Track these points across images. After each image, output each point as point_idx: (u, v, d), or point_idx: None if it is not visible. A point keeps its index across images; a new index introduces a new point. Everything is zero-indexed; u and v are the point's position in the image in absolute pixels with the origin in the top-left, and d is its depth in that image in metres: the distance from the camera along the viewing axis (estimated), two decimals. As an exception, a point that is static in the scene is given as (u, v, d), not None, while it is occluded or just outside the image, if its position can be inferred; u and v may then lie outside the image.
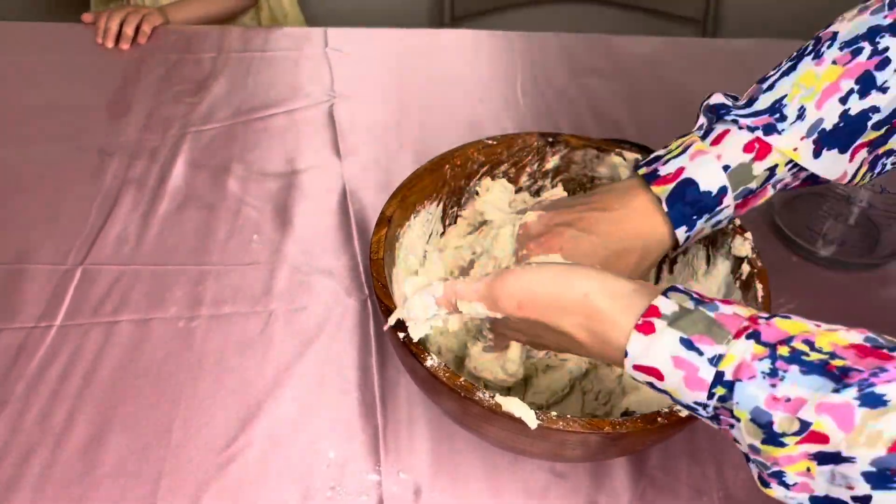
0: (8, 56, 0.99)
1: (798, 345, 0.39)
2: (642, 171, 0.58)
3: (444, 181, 0.68)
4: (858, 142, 0.55)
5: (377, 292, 0.57)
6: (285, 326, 0.70)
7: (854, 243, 0.79)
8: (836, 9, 0.58)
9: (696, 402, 0.42)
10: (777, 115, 0.55)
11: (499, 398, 0.50)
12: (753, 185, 0.56)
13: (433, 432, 0.63)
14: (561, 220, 0.60)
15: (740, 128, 0.55)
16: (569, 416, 0.50)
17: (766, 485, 0.39)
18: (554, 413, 0.49)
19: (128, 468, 0.59)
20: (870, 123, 0.54)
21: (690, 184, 0.56)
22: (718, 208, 0.56)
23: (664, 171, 0.57)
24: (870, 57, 0.53)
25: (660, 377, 0.43)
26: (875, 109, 0.54)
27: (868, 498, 0.36)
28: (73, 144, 0.87)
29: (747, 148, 0.55)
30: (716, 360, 0.40)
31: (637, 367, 0.43)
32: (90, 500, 0.57)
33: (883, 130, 0.55)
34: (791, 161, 0.55)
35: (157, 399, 0.64)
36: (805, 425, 0.37)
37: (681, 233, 0.57)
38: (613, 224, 0.58)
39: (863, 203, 0.75)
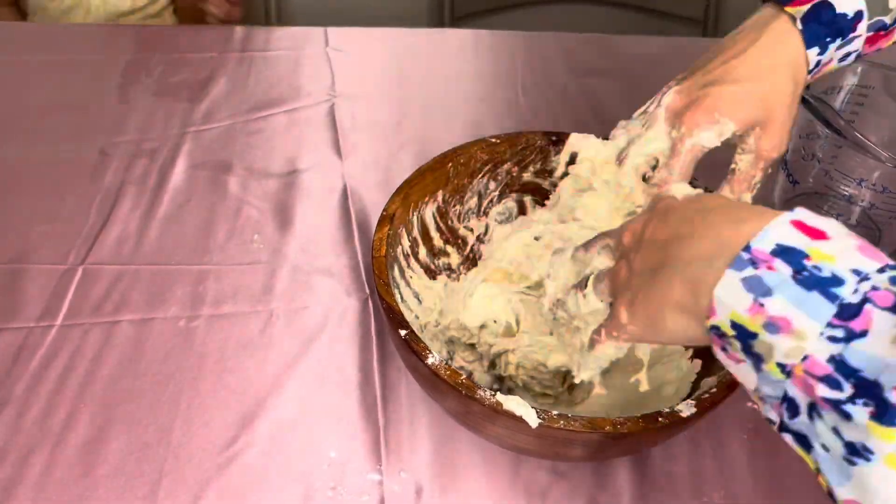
0: (8, 56, 0.99)
1: None
2: None
3: (446, 179, 0.68)
4: None
5: (379, 290, 0.57)
6: (286, 326, 0.70)
7: (855, 243, 0.78)
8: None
9: (853, 271, 0.34)
10: None
11: (500, 396, 0.50)
12: (888, 19, 0.55)
13: (434, 432, 0.63)
14: (702, 82, 0.57)
15: None
16: (570, 414, 0.49)
17: (894, 420, 0.31)
18: (555, 412, 0.49)
19: (128, 468, 0.59)
20: None
21: (826, 6, 0.54)
22: (851, 35, 0.55)
23: None
24: None
25: (822, 236, 0.36)
26: None
27: None
28: (73, 144, 0.87)
29: None
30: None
31: (796, 223, 0.37)
32: (90, 500, 0.57)
33: None
34: None
35: (157, 399, 0.64)
36: None
37: (812, 54, 0.55)
38: (755, 63, 0.56)
39: (864, 203, 0.75)
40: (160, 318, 0.69)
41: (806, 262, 0.35)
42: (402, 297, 0.63)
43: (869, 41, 0.56)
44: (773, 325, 0.35)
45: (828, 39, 0.55)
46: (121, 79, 0.96)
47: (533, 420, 0.49)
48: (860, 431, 0.32)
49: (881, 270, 0.34)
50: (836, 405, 0.33)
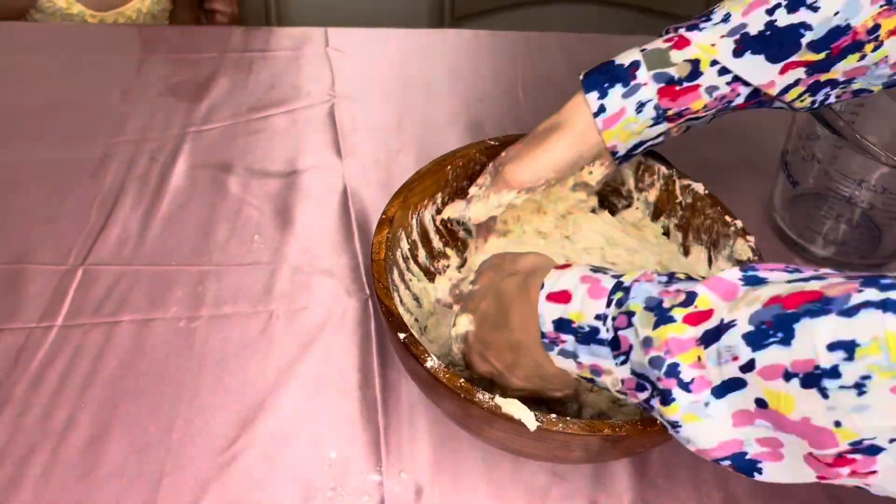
0: (8, 56, 0.99)
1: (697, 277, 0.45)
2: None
3: (445, 182, 0.68)
4: (793, 58, 0.56)
5: (378, 294, 0.57)
6: (286, 326, 0.70)
7: (855, 244, 0.79)
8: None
9: (597, 317, 0.46)
10: (703, 18, 0.58)
11: (498, 400, 0.50)
12: (675, 73, 0.58)
13: (434, 433, 0.63)
14: (498, 162, 0.66)
15: (666, 32, 0.60)
16: (567, 418, 0.50)
17: (668, 399, 0.41)
18: (553, 415, 0.50)
19: (128, 468, 0.59)
20: (803, 41, 0.55)
21: (608, 62, 0.61)
22: (634, 83, 0.59)
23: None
24: None
25: (567, 299, 0.47)
26: (806, 27, 0.55)
27: (752, 363, 0.38)
28: (73, 144, 0.87)
29: (666, 39, 0.59)
30: (618, 276, 0.47)
31: (550, 297, 0.48)
32: (91, 500, 0.57)
33: (822, 55, 0.56)
34: (717, 63, 0.56)
35: (157, 399, 0.64)
36: (691, 297, 0.41)
37: (592, 98, 0.60)
38: (535, 147, 0.63)
39: (864, 203, 0.75)
40: (160, 319, 0.70)
41: (574, 325, 0.47)
42: (401, 301, 0.63)
43: (667, 94, 0.58)
44: (595, 371, 0.47)
45: (606, 85, 0.59)
46: (121, 79, 0.96)
47: (531, 423, 0.49)
48: (662, 415, 0.43)
49: (609, 303, 0.46)
50: (647, 402, 0.44)
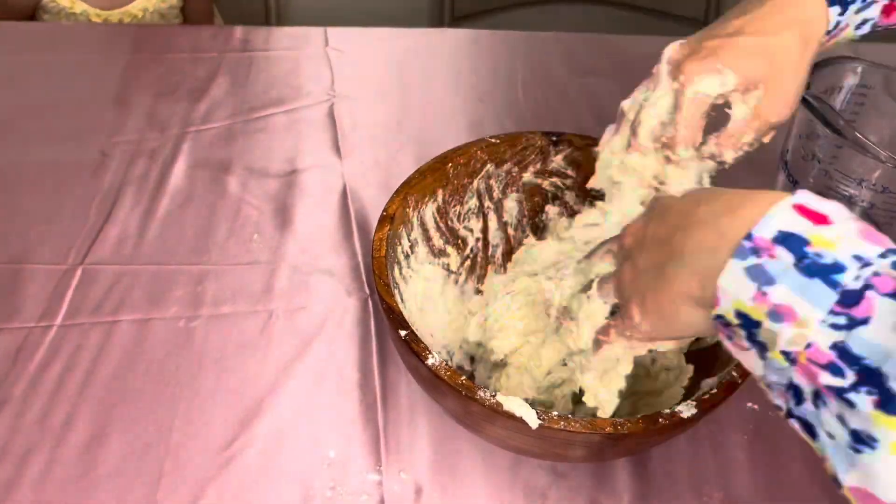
0: (8, 56, 0.99)
1: None
2: None
3: (446, 179, 0.68)
4: None
5: (379, 290, 0.57)
6: (286, 326, 0.70)
7: (855, 243, 0.78)
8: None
9: (855, 257, 0.34)
10: None
11: (500, 397, 0.50)
12: None
13: (434, 432, 0.63)
14: (706, 36, 0.55)
15: None
16: (569, 416, 0.49)
17: None
18: (555, 413, 0.49)
19: (128, 468, 0.59)
20: None
21: None
22: None
23: None
24: None
25: (824, 221, 0.36)
26: None
27: None
28: (73, 144, 0.86)
29: None
30: None
31: (799, 207, 0.37)
32: (90, 500, 0.57)
33: None
34: None
35: (157, 399, 0.64)
36: None
37: (833, 13, 0.53)
38: (764, 20, 0.53)
39: (864, 203, 0.75)
40: (160, 318, 0.69)
41: (807, 248, 0.35)
42: (402, 298, 0.63)
43: (886, 10, 0.55)
44: (776, 314, 0.35)
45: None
46: (121, 79, 0.96)
47: (533, 421, 0.49)
48: (864, 420, 0.32)
49: (883, 255, 0.34)
50: (839, 393, 0.33)
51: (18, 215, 0.78)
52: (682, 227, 0.41)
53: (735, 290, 0.37)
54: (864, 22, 0.56)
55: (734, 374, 0.52)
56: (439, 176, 0.67)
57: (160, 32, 1.06)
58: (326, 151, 0.88)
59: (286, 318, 0.70)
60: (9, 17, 1.24)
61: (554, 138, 0.69)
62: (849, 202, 0.76)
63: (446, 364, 0.52)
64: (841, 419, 0.33)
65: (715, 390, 0.52)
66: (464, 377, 0.51)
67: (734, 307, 0.37)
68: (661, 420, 0.49)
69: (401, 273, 0.64)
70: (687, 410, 0.50)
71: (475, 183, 0.70)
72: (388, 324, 0.57)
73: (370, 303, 0.72)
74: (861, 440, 0.32)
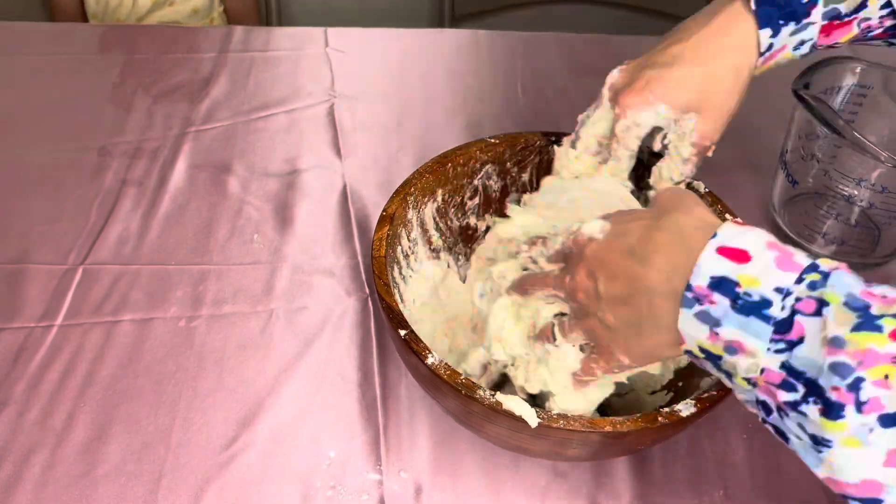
0: (8, 56, 0.99)
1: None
2: None
3: (446, 179, 0.68)
4: None
5: (379, 290, 0.57)
6: (286, 326, 0.70)
7: (854, 243, 0.79)
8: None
9: (776, 290, 0.39)
10: None
11: (499, 396, 0.50)
12: (843, 7, 0.55)
13: (434, 431, 0.63)
14: (644, 64, 0.58)
15: None
16: (569, 414, 0.50)
17: (838, 414, 0.36)
18: (554, 412, 0.50)
19: (128, 468, 0.59)
20: None
21: None
22: (805, 21, 0.55)
23: None
24: None
25: (745, 259, 0.40)
26: None
27: None
28: (73, 144, 0.87)
29: None
30: (813, 257, 0.40)
31: (722, 250, 0.41)
32: (90, 500, 0.57)
33: None
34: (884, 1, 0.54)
35: (157, 399, 0.64)
36: None
37: (764, 36, 0.55)
38: (698, 48, 0.56)
39: (863, 203, 0.75)
40: (160, 318, 0.70)
41: (738, 289, 0.40)
42: (401, 298, 0.63)
43: (824, 30, 0.56)
44: (730, 348, 0.40)
45: (781, 22, 0.55)
46: (121, 79, 0.96)
47: (532, 420, 0.49)
48: (816, 427, 0.37)
49: (799, 281, 0.39)
50: (794, 406, 0.38)
51: (19, 215, 0.78)
52: (637, 290, 0.45)
53: (693, 332, 0.42)
54: (802, 43, 0.57)
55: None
56: (439, 176, 0.67)
57: (160, 32, 1.06)
58: (326, 151, 0.88)
59: (286, 318, 0.70)
60: (62, 18, 1.29)
61: (553, 138, 0.69)
62: (848, 202, 0.76)
63: (445, 363, 0.52)
64: (801, 426, 0.38)
65: (715, 390, 0.52)
66: (463, 377, 0.51)
67: (697, 345, 0.42)
68: (660, 419, 0.50)
69: (400, 273, 0.64)
70: (686, 409, 0.50)
71: (475, 183, 0.70)
72: (387, 323, 0.57)
73: (370, 303, 0.72)
74: (819, 442, 0.37)
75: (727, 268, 0.40)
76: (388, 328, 0.57)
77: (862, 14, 0.56)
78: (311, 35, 1.05)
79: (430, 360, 0.52)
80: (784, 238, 0.80)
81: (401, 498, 0.59)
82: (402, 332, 0.54)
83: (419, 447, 0.62)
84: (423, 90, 0.98)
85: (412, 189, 0.65)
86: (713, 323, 0.41)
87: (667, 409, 0.50)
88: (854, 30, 0.57)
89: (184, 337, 0.68)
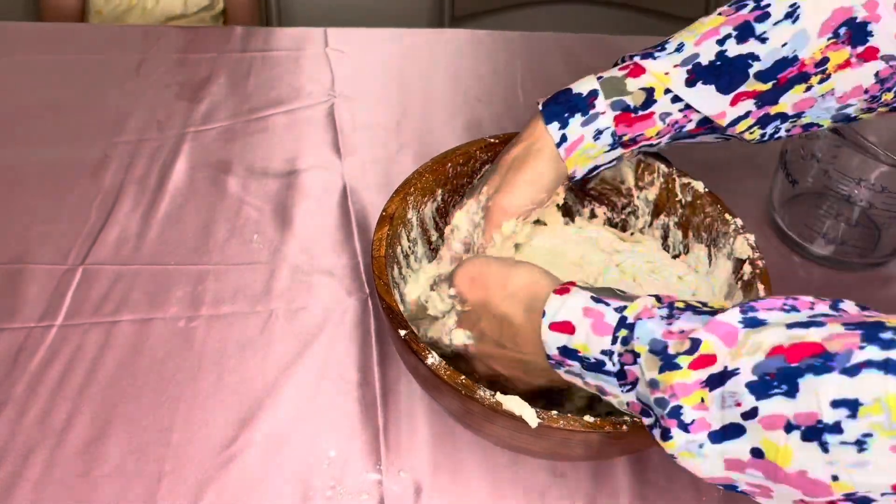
0: (8, 56, 0.99)
1: (693, 302, 0.46)
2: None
3: (446, 179, 0.68)
4: (742, 89, 0.58)
5: (379, 290, 0.57)
6: (286, 326, 0.70)
7: (854, 243, 0.78)
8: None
9: (602, 352, 0.47)
10: (658, 47, 0.60)
11: (499, 396, 0.50)
12: (631, 101, 0.59)
13: (434, 431, 0.63)
14: (487, 195, 0.65)
15: (622, 60, 0.62)
16: (569, 415, 0.50)
17: (667, 436, 0.43)
18: (554, 412, 0.50)
19: (128, 468, 0.59)
20: (751, 71, 0.57)
21: (565, 90, 0.62)
22: (592, 112, 0.60)
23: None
24: (751, 10, 0.58)
25: (571, 331, 0.48)
26: (754, 57, 0.57)
27: (755, 411, 0.39)
28: (73, 144, 0.87)
29: (622, 68, 0.61)
30: (620, 309, 0.47)
31: (553, 326, 0.49)
32: (90, 500, 0.57)
33: (769, 85, 0.58)
34: (670, 91, 0.58)
35: (157, 399, 0.64)
36: (695, 344, 0.42)
37: (553, 129, 0.61)
38: (520, 176, 0.63)
39: (863, 202, 0.75)
40: (160, 318, 0.70)
41: (579, 354, 0.48)
42: (401, 298, 0.63)
43: (623, 120, 0.60)
44: (602, 391, 0.49)
45: (566, 115, 0.61)
46: (121, 79, 0.96)
47: (532, 420, 0.49)
48: (663, 447, 0.44)
49: (613, 341, 0.46)
50: (651, 428, 0.45)
51: (19, 215, 0.78)
52: (514, 349, 0.53)
53: (574, 381, 0.51)
54: (600, 132, 0.61)
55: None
56: (439, 176, 0.67)
57: (161, 33, 1.06)
58: (326, 151, 0.88)
59: (286, 318, 0.70)
60: (59, 17, 1.29)
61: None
62: (848, 202, 0.76)
63: (445, 363, 0.52)
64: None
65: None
66: (463, 377, 0.51)
67: (584, 389, 0.51)
68: (660, 419, 0.50)
69: (400, 273, 0.64)
70: (686, 410, 0.50)
71: (475, 183, 0.70)
72: (387, 323, 0.57)
73: (370, 303, 0.72)
74: (671, 456, 0.44)
75: (563, 339, 0.48)
76: (388, 328, 0.57)
77: (655, 108, 0.59)
78: (311, 35, 1.05)
79: (429, 360, 0.52)
80: (784, 238, 0.80)
81: (400, 498, 0.59)
82: (402, 332, 0.54)
83: (419, 447, 0.62)
84: (423, 90, 0.98)
85: (412, 189, 0.65)
86: (579, 376, 0.49)
87: (666, 409, 0.50)
88: (658, 123, 0.60)
89: (183, 337, 0.68)
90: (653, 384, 0.44)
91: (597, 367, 0.47)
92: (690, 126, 0.61)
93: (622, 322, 0.46)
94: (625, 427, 0.49)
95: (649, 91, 0.59)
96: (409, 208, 0.65)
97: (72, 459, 0.60)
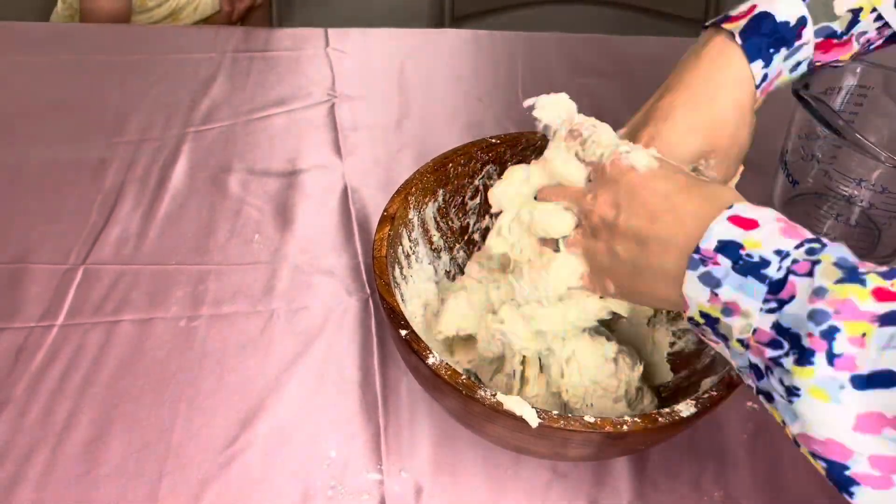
0: (8, 56, 0.99)
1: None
2: (710, 22, 0.55)
3: (447, 179, 0.68)
4: None
5: (380, 290, 0.57)
6: (286, 326, 0.70)
7: (854, 243, 0.78)
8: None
9: (776, 252, 0.41)
10: None
11: (500, 396, 0.50)
12: (836, 26, 0.54)
13: (435, 431, 0.63)
14: (643, 120, 0.56)
15: None
16: (569, 415, 0.50)
17: (808, 360, 0.37)
18: (555, 412, 0.50)
19: (129, 468, 0.59)
20: None
21: (766, 16, 0.53)
22: (797, 43, 0.54)
23: (735, 12, 0.55)
24: None
25: (752, 226, 0.42)
26: None
27: None
28: (73, 144, 0.87)
29: None
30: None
31: (732, 219, 0.43)
32: (91, 500, 0.57)
33: None
34: (875, 11, 0.54)
35: (157, 398, 0.64)
36: (891, 273, 0.37)
37: (757, 68, 0.54)
38: (694, 94, 0.55)
39: (863, 203, 0.75)
40: (161, 318, 0.70)
41: (741, 251, 0.42)
42: (402, 298, 0.63)
43: (822, 48, 0.55)
44: (727, 310, 0.42)
45: (771, 51, 0.54)
46: (121, 79, 0.96)
47: (533, 420, 0.49)
48: (789, 376, 0.38)
49: (799, 246, 0.41)
50: (777, 361, 0.39)
51: (20, 215, 0.78)
52: (655, 235, 0.46)
53: (696, 295, 0.44)
54: (798, 64, 0.56)
55: (733, 373, 0.53)
56: (440, 176, 0.67)
57: (160, 32, 1.06)
58: (327, 151, 0.88)
59: (287, 317, 0.70)
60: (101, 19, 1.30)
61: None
62: (848, 202, 0.76)
63: (446, 363, 0.52)
64: (780, 381, 0.39)
65: (715, 390, 0.52)
66: (464, 377, 0.51)
67: (698, 309, 0.44)
68: (660, 419, 0.50)
69: (401, 273, 0.65)
70: (686, 410, 0.50)
71: (476, 183, 0.70)
72: (388, 323, 0.57)
73: (371, 303, 0.72)
74: (791, 392, 0.38)
75: (735, 233, 0.42)
76: (389, 328, 0.57)
77: (857, 29, 0.55)
78: (311, 35, 1.05)
79: (430, 360, 0.52)
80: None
81: (401, 498, 0.59)
82: (403, 332, 0.54)
83: (420, 447, 0.62)
84: (424, 90, 0.98)
85: (413, 189, 0.65)
86: (714, 284, 0.42)
87: (667, 410, 0.50)
88: (854, 46, 0.57)
89: (184, 337, 0.68)
90: (819, 292, 0.37)
91: (752, 268, 0.41)
92: (878, 43, 0.57)
93: (817, 239, 0.41)
94: (625, 427, 0.49)
95: (856, 12, 0.54)
96: (410, 208, 0.65)
97: (73, 459, 0.60)
